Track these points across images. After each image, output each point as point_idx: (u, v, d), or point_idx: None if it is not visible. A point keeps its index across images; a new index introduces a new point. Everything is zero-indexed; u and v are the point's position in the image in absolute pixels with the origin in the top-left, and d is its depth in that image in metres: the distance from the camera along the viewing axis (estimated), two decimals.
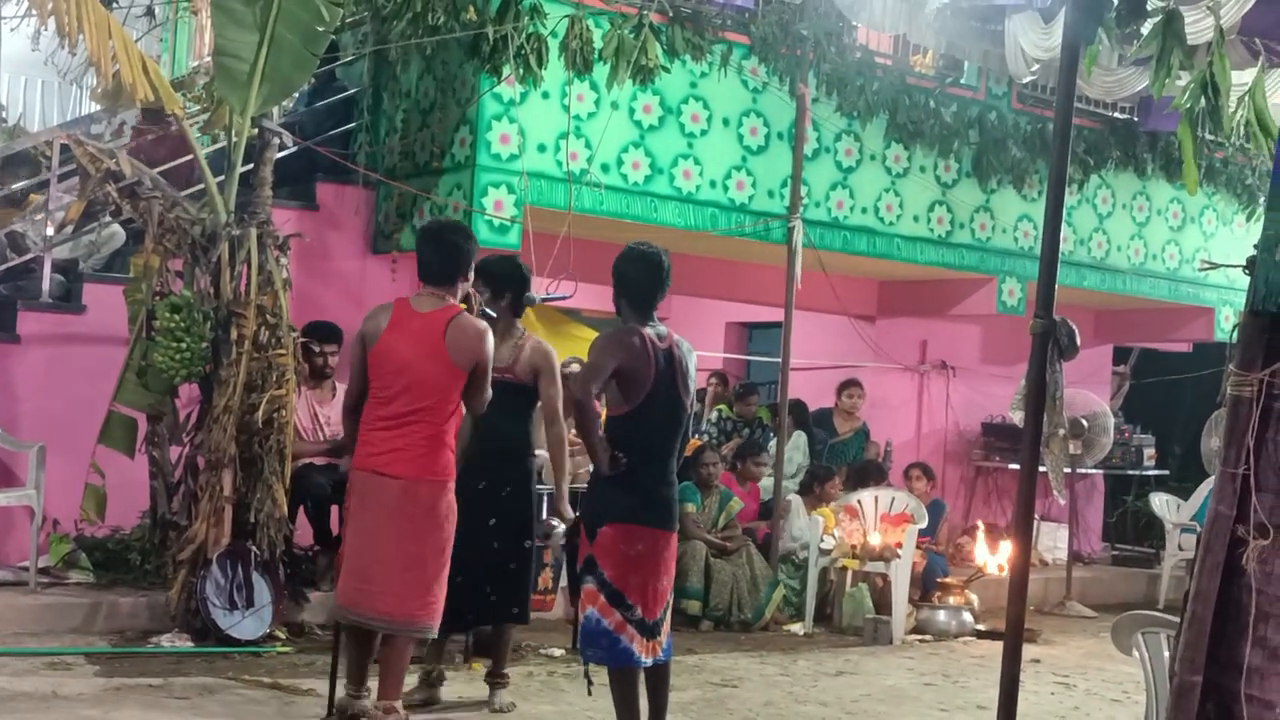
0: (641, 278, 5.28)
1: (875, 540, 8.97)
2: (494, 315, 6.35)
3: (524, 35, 8.20)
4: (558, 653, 7.28)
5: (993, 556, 9.26)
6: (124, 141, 8.98)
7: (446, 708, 6.08)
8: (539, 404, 6.12)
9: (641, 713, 5.24)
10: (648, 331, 5.21)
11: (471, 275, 5.55)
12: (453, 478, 5.31)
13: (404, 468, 5.19)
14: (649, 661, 5.19)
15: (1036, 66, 9.53)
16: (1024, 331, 4.78)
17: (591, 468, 5.39)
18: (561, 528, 6.15)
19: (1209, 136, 10.34)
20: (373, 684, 5.42)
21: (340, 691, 5.54)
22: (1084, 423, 10.81)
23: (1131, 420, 13.11)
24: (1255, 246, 3.51)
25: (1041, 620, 9.79)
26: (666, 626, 5.28)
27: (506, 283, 6.08)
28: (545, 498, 7.33)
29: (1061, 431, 4.71)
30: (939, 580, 9.30)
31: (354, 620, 5.32)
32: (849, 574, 9.03)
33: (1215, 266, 4.68)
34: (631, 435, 5.18)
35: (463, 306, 5.39)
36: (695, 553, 8.49)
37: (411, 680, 5.94)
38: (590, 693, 5.40)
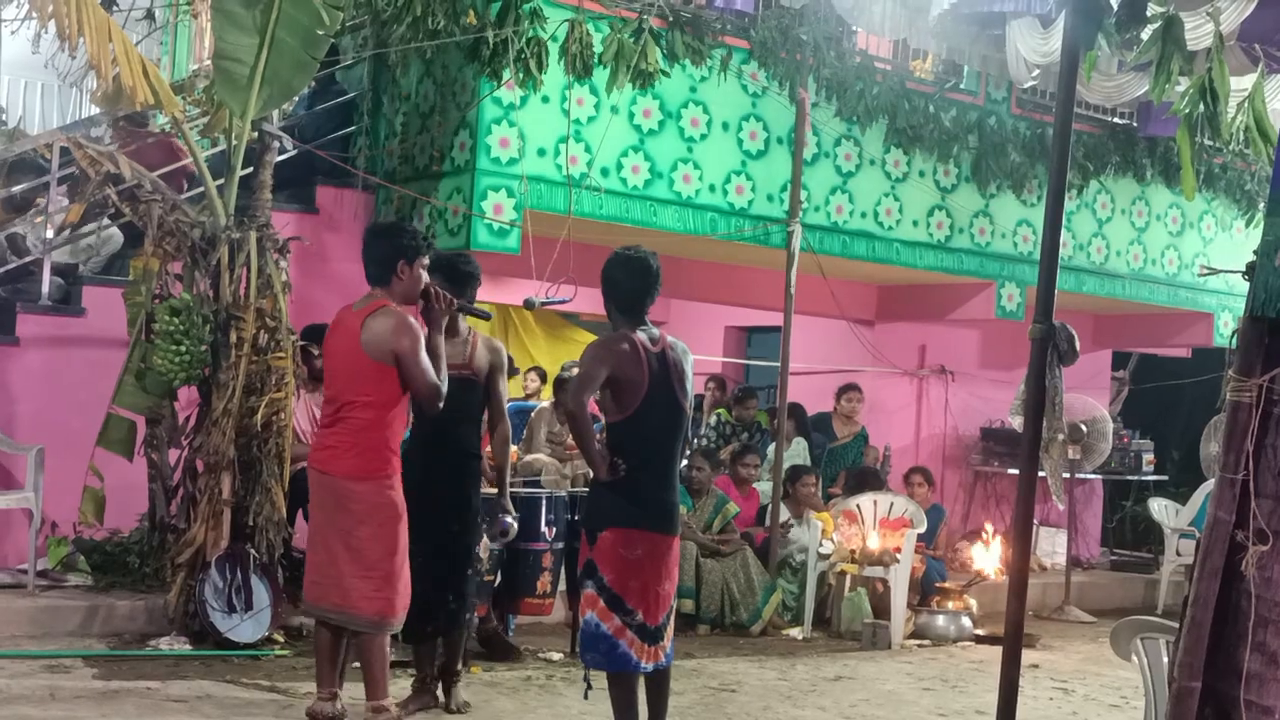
0: (631, 282, 5.25)
1: (874, 544, 8.97)
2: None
3: (524, 39, 8.20)
4: (556, 656, 7.28)
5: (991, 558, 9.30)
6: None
7: (438, 709, 6.06)
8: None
9: (641, 717, 5.23)
10: (639, 336, 5.18)
11: (417, 270, 5.38)
12: (391, 474, 5.28)
13: (336, 465, 5.26)
14: (649, 667, 5.16)
15: (1036, 72, 9.53)
16: (1023, 336, 4.78)
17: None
18: (515, 526, 6.11)
19: (1208, 142, 10.34)
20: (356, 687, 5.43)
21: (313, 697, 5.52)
22: (1083, 428, 10.81)
23: (1130, 425, 13.10)
24: (1255, 252, 3.52)
25: (1040, 625, 9.79)
26: (669, 632, 5.26)
27: (450, 279, 5.82)
28: (545, 500, 7.32)
29: (1060, 436, 4.71)
30: (937, 585, 9.30)
31: (315, 614, 5.44)
32: (847, 578, 9.02)
33: (1214, 272, 4.69)
34: (630, 441, 5.15)
35: (388, 303, 5.30)
36: (686, 553, 8.47)
37: (404, 687, 5.98)
38: (587, 696, 5.39)
